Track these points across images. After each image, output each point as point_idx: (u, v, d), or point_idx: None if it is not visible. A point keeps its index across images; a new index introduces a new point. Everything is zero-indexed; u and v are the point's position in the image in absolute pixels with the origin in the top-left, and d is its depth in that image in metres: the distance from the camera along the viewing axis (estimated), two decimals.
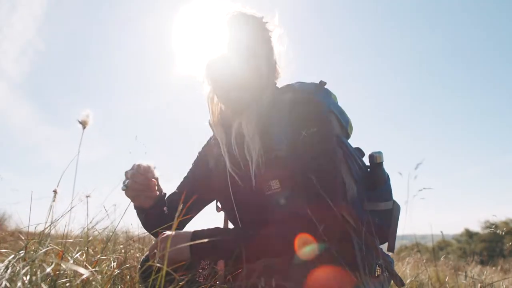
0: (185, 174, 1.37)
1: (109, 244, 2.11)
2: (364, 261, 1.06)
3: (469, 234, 24.80)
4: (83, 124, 0.89)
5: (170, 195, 1.28)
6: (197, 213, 1.34)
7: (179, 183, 1.35)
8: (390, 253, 1.20)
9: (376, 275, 1.10)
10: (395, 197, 1.20)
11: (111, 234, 1.49)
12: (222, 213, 1.31)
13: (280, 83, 1.22)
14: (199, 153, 1.37)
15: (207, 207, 1.37)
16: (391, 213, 1.17)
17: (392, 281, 1.18)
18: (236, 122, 1.12)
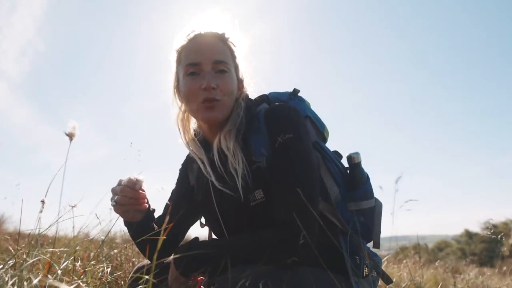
0: (170, 195, 1.36)
1: (104, 248, 2.12)
2: (351, 262, 1.07)
3: (469, 235, 24.80)
4: (70, 136, 0.90)
5: (158, 218, 1.27)
6: (187, 231, 1.34)
7: (164, 205, 1.34)
8: (375, 250, 1.22)
9: (364, 275, 1.11)
10: (385, 209, 1.22)
11: (103, 238, 1.49)
12: (206, 228, 1.31)
13: (253, 95, 1.24)
14: (180, 170, 1.37)
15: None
16: (374, 211, 1.18)
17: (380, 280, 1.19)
18: (216, 138, 1.12)
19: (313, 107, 1.30)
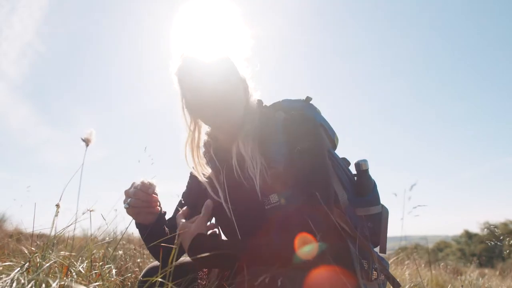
0: (180, 197, 1.36)
1: (109, 249, 2.14)
2: (360, 266, 1.10)
3: (469, 235, 24.83)
4: (86, 141, 0.91)
5: (168, 220, 1.28)
6: None
7: (175, 208, 1.35)
8: (382, 255, 1.25)
9: (373, 279, 1.14)
10: (392, 214, 1.25)
11: (108, 239, 1.50)
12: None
13: (268, 101, 1.27)
14: (190, 173, 1.38)
15: None
16: (381, 217, 1.22)
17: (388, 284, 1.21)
18: (234, 145, 1.15)
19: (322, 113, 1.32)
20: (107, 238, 1.90)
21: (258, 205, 1.09)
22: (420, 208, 1.11)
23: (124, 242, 2.76)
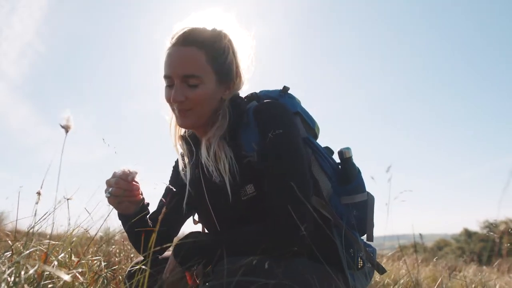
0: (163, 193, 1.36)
1: (103, 245, 2.12)
2: (346, 255, 1.10)
3: (468, 234, 24.85)
4: (66, 128, 0.90)
5: (152, 213, 1.28)
6: (180, 227, 1.36)
7: (158, 202, 1.34)
8: (370, 242, 1.24)
9: (359, 267, 1.14)
10: (377, 200, 1.24)
11: (97, 234, 1.49)
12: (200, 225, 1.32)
13: (244, 93, 1.25)
14: (173, 167, 1.38)
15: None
16: (367, 204, 1.21)
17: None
18: (203, 142, 1.14)
19: (309, 105, 1.32)
20: (100, 234, 1.89)
21: (234, 197, 1.08)
22: (409, 198, 1.09)
23: (117, 238, 2.76)
